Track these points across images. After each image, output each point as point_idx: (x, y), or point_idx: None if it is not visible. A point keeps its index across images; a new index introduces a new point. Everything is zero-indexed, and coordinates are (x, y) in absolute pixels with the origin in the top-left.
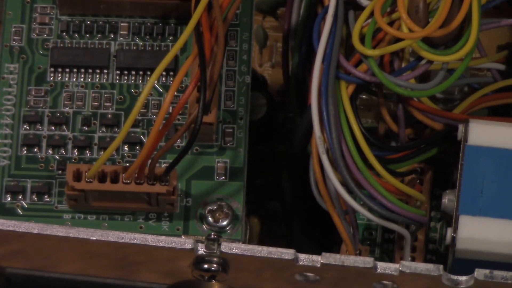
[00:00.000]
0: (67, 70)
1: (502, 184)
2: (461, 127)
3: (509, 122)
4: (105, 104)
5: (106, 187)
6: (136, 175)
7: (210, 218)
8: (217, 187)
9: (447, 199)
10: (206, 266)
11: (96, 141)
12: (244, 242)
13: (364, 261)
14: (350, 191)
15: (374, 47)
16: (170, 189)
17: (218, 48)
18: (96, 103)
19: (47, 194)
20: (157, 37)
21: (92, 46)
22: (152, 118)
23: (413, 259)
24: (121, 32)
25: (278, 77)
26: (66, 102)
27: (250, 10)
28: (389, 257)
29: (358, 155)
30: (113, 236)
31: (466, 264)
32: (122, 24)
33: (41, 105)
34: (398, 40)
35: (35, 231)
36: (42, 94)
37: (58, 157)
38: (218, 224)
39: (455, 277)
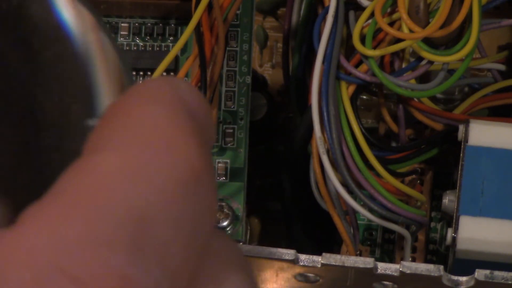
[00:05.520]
0: None
1: (502, 184)
2: (461, 128)
3: (510, 122)
4: None
5: None
6: None
7: None
8: (218, 188)
9: (448, 200)
10: None
11: None
12: (244, 243)
13: (364, 261)
14: (350, 192)
15: (374, 48)
16: None
17: (218, 48)
18: None
19: None
20: (157, 37)
21: None
22: None
23: (413, 260)
24: (121, 33)
25: (278, 78)
26: None
27: (251, 10)
28: (390, 258)
29: (358, 156)
30: None
31: (466, 264)
32: (122, 24)
33: None
34: (398, 40)
35: None
36: None
37: None
38: (219, 224)
39: (455, 277)
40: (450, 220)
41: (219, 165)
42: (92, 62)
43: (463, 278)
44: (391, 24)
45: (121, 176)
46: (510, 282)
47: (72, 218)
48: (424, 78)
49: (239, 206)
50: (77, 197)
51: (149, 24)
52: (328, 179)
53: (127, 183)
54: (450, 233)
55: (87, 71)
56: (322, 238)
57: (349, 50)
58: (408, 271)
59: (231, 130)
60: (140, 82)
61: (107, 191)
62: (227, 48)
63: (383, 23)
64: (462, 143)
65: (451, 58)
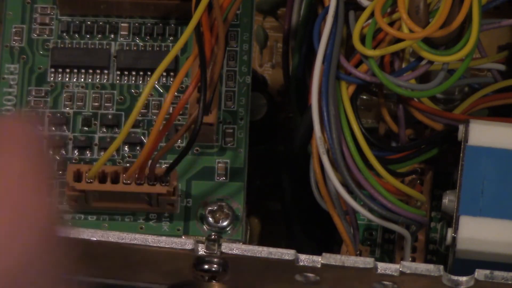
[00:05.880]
0: (68, 70)
1: (502, 184)
2: (461, 128)
3: (510, 122)
4: (106, 104)
5: (107, 188)
6: (136, 175)
7: (210, 219)
8: (218, 188)
9: (448, 200)
10: (206, 266)
11: (96, 141)
12: (244, 243)
13: (364, 261)
14: (350, 192)
15: (374, 48)
16: (170, 189)
17: (218, 48)
18: (96, 104)
19: None
20: (157, 37)
21: (92, 46)
22: (153, 119)
23: (413, 260)
24: (121, 33)
25: (278, 78)
26: (66, 103)
27: (251, 10)
28: (390, 258)
29: (358, 156)
30: (114, 236)
31: (466, 264)
32: (122, 24)
33: (41, 105)
34: (398, 40)
35: None
36: (43, 94)
37: (58, 158)
38: (219, 224)
39: (455, 277)
40: (450, 220)
41: (219, 165)
42: None
43: (463, 278)
44: (391, 24)
45: None
46: (510, 282)
47: None
48: (424, 78)
49: (239, 206)
50: None
51: (149, 24)
52: (328, 179)
53: None
54: (450, 233)
55: None
56: (322, 238)
57: (349, 50)
58: (408, 271)
59: (231, 130)
60: None
61: None
62: (227, 48)
63: (383, 23)
64: (462, 143)
65: (451, 58)
